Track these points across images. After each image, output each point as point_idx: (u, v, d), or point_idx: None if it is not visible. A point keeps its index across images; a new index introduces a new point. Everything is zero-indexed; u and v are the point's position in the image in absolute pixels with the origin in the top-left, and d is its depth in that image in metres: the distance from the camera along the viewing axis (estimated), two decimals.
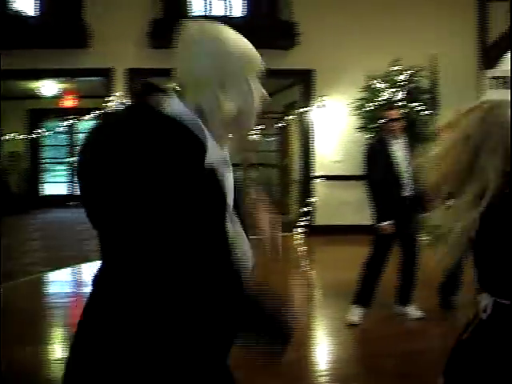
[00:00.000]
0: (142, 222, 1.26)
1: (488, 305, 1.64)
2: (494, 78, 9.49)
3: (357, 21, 9.62)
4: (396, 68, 9.04)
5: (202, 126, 1.36)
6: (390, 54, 8.95)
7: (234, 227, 1.42)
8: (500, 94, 9.43)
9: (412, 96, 8.97)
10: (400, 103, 8.43)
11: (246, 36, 1.45)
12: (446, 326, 5.17)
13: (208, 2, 10.19)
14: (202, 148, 1.32)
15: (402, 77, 9.00)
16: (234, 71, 1.41)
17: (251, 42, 1.46)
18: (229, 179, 1.44)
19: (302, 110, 10.14)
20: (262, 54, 1.46)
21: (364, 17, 9.66)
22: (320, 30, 9.60)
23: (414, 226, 5.32)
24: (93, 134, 1.36)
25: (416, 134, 7.84)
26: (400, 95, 8.90)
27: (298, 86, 10.48)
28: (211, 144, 1.35)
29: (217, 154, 1.38)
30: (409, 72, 9.06)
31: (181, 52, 1.43)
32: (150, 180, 1.24)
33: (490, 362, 1.61)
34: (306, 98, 10.09)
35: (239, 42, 1.44)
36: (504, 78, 9.49)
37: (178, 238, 1.28)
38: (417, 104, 8.87)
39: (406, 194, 5.12)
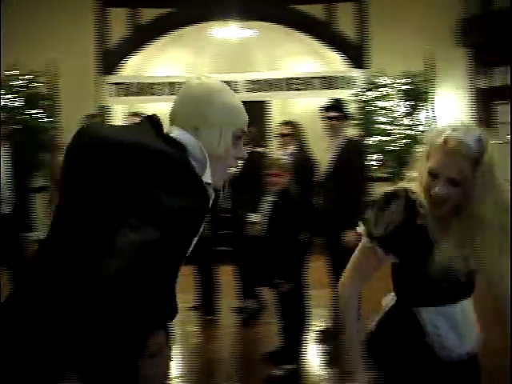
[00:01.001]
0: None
1: (389, 301, 2.25)
2: (113, 84, 9.67)
3: None
4: (12, 73, 8.63)
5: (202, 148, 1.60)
6: (6, 57, 8.49)
7: None
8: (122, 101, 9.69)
9: (30, 102, 8.69)
10: (18, 110, 8.11)
11: None
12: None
13: None
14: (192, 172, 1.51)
15: (19, 82, 8.64)
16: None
17: None
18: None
19: None
20: None
21: None
22: None
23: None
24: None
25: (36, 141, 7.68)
26: (17, 102, 8.53)
27: None
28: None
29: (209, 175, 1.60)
30: (26, 77, 8.73)
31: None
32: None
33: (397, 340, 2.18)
34: None
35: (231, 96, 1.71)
36: (123, 84, 9.74)
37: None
38: (36, 111, 8.64)
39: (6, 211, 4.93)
